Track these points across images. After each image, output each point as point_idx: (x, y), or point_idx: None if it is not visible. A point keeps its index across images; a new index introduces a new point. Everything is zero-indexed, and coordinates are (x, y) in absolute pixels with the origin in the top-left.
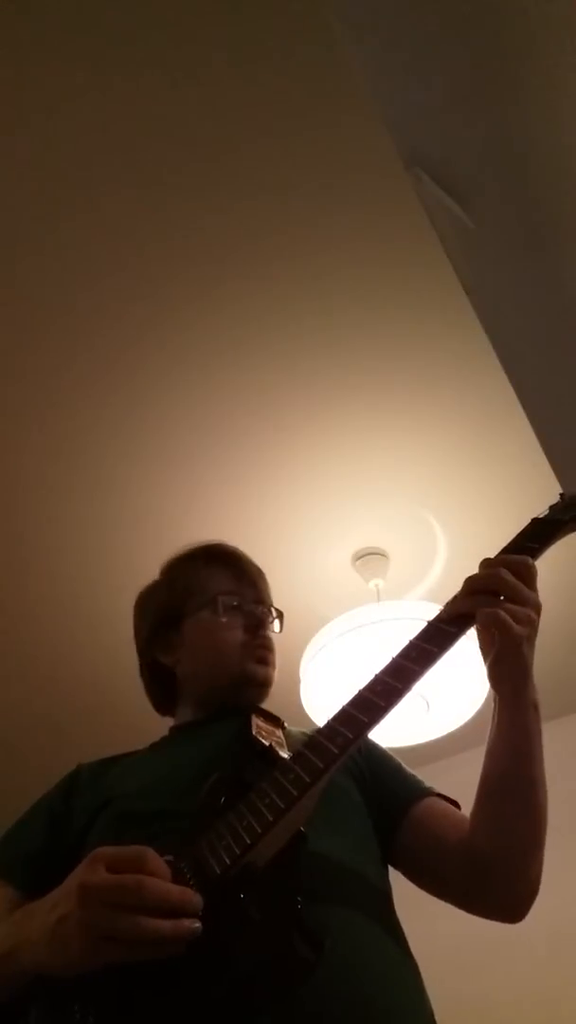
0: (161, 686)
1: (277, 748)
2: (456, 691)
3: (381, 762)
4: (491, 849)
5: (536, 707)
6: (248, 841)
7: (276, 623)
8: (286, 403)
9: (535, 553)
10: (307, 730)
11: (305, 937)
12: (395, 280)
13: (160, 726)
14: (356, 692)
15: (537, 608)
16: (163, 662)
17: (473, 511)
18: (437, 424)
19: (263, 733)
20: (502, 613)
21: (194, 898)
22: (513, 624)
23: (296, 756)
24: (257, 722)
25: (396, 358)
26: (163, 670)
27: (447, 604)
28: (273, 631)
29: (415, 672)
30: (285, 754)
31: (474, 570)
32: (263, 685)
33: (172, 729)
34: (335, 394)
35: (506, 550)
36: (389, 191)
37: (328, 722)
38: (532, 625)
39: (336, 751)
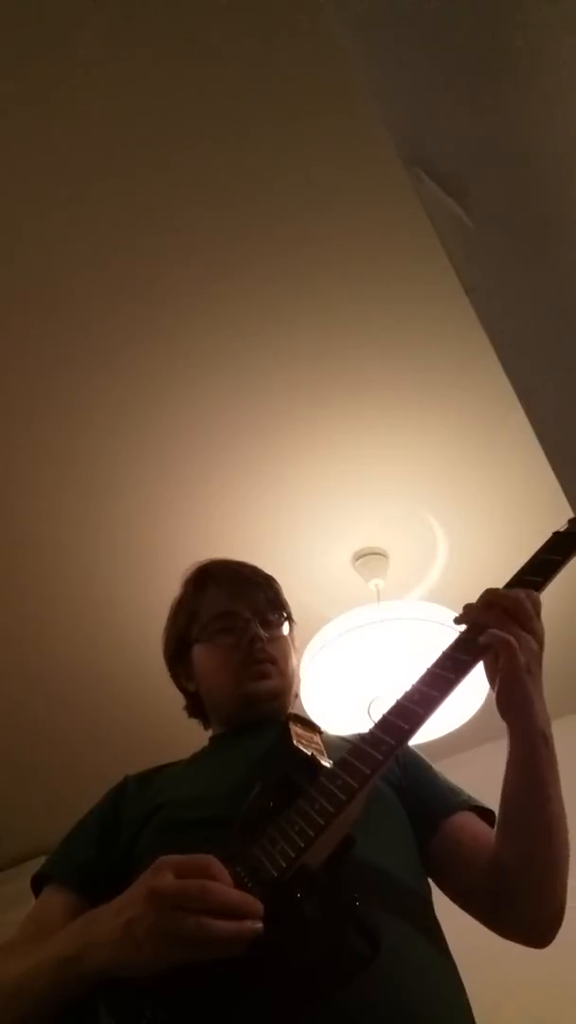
0: (193, 706)
1: (318, 755)
2: (456, 691)
3: (419, 772)
4: (512, 870)
5: (546, 738)
6: (302, 845)
7: (283, 626)
8: (286, 402)
9: (558, 566)
10: (346, 736)
11: (361, 933)
12: (395, 278)
13: (159, 732)
14: (395, 701)
15: (541, 640)
16: (186, 688)
17: (473, 511)
18: (437, 424)
19: (303, 740)
20: (510, 637)
21: (255, 903)
22: (519, 650)
23: (342, 762)
24: (296, 729)
25: (396, 357)
26: (189, 693)
27: (464, 608)
28: (280, 634)
29: (451, 680)
30: (327, 761)
31: (474, 570)
32: (271, 699)
33: (212, 739)
34: (335, 393)
35: (530, 562)
36: (389, 189)
37: (370, 729)
38: (535, 656)
39: (381, 757)
